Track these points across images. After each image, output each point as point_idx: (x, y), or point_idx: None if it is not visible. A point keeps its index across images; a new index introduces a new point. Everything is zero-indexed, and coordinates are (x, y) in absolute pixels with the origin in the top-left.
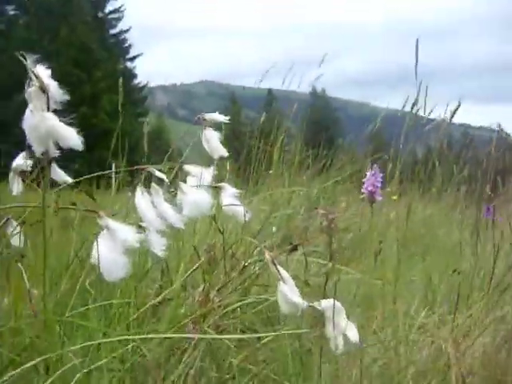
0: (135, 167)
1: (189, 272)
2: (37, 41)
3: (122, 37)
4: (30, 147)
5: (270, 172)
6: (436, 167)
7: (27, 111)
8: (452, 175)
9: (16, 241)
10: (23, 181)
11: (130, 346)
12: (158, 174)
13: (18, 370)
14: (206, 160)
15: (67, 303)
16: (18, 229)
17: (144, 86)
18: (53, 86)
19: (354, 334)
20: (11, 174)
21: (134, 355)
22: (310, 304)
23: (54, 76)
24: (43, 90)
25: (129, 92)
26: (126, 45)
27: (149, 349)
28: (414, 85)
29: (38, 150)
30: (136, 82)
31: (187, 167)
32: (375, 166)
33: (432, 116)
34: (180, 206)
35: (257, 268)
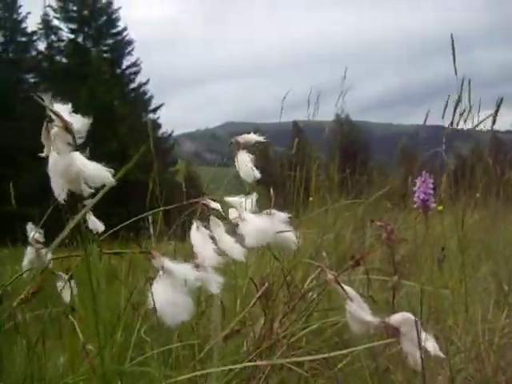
0: (191, 201)
1: (247, 308)
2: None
3: (142, 89)
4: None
5: (311, 199)
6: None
7: (51, 155)
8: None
9: (65, 296)
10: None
11: None
12: (213, 205)
13: None
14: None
15: (124, 355)
16: (67, 284)
17: (170, 136)
18: (75, 121)
19: (433, 346)
20: (30, 249)
21: None
22: (383, 320)
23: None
24: (67, 129)
25: (156, 143)
26: (147, 97)
27: None
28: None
29: (61, 194)
30: (161, 132)
31: (228, 199)
32: (424, 172)
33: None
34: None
35: (315, 294)
